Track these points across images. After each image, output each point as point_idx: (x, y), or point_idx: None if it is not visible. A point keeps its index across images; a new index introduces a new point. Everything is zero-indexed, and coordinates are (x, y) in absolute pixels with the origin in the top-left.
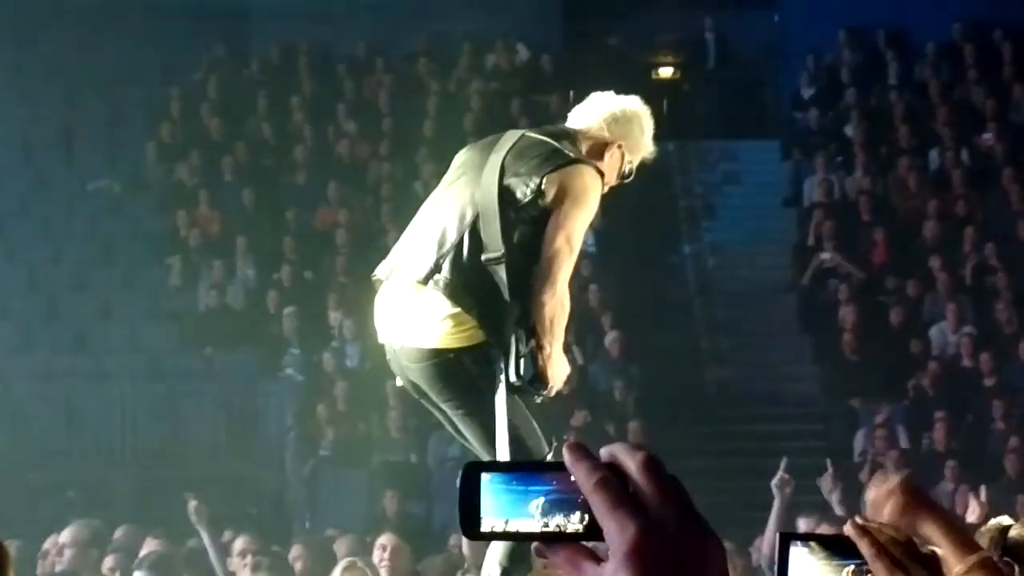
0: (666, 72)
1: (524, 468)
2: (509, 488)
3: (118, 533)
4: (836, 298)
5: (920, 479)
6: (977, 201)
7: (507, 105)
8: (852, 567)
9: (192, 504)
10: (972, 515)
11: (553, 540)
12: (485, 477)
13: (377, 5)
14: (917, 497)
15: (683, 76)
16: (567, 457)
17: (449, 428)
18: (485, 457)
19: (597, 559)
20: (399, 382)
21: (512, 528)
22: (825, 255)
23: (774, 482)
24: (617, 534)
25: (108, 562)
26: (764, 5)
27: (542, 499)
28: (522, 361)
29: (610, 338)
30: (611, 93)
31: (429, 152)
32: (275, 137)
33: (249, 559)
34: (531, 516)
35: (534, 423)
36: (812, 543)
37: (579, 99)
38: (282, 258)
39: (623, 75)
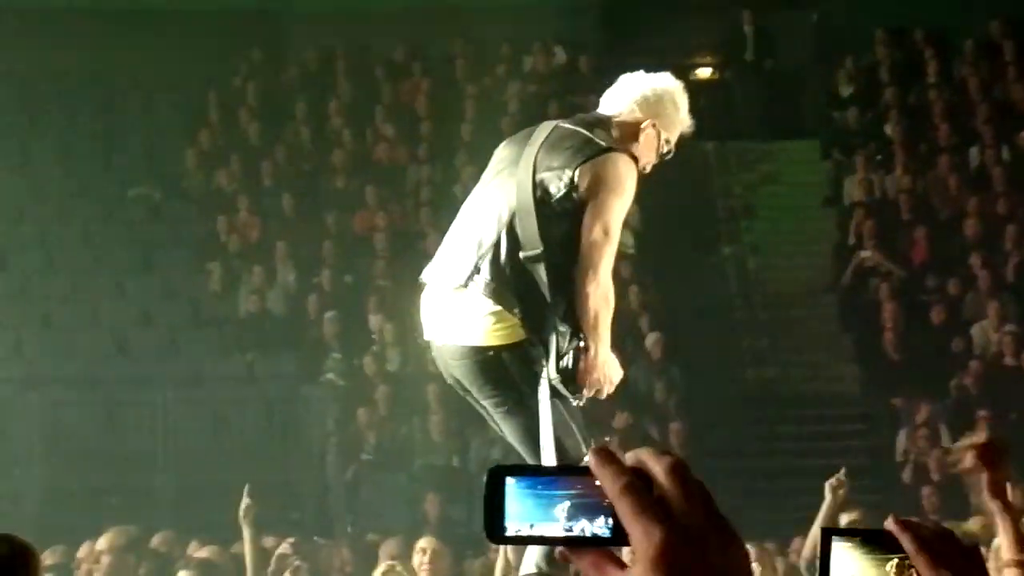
0: (704, 72)
1: (549, 472)
2: (534, 492)
3: (156, 540)
4: (877, 297)
5: (960, 480)
6: (1018, 199)
7: (544, 107)
8: (896, 561)
9: (245, 502)
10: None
11: (578, 545)
12: (510, 481)
13: (414, 8)
14: (998, 462)
15: (721, 76)
16: (593, 461)
17: (493, 425)
18: (526, 456)
19: (622, 564)
20: (447, 379)
21: (537, 532)
22: (865, 253)
23: (829, 482)
24: (643, 539)
25: (143, 569)
26: (802, 5)
27: (568, 503)
28: (564, 359)
29: (651, 339)
30: (640, 73)
31: (467, 155)
32: (314, 141)
33: (294, 562)
34: (556, 520)
35: (573, 424)
36: (855, 538)
37: None
38: (322, 262)
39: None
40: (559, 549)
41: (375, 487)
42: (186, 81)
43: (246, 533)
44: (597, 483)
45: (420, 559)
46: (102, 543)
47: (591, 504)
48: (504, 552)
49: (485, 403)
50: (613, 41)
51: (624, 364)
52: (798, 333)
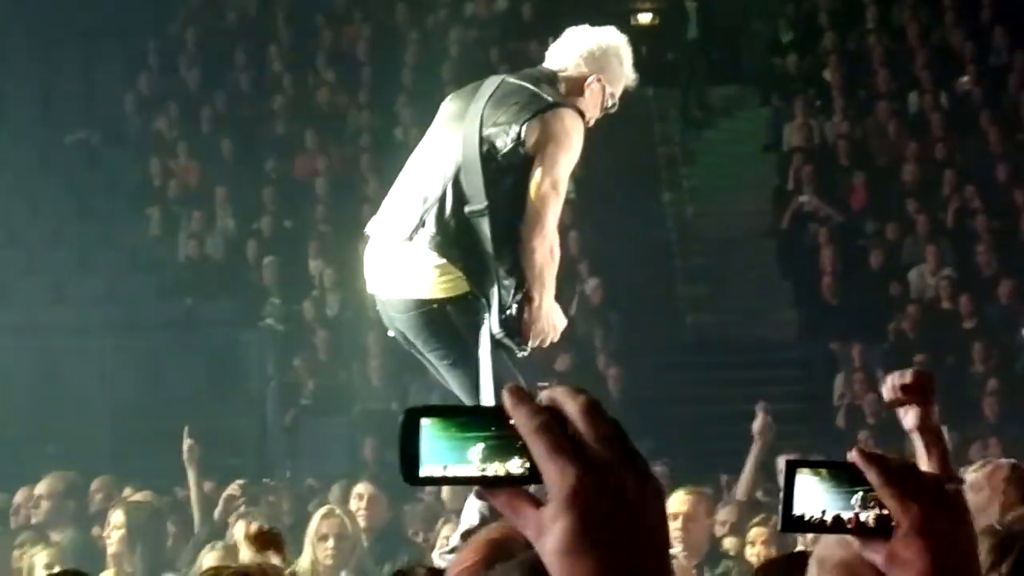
0: (644, 18)
1: (464, 413)
2: (449, 434)
3: (94, 484)
4: (815, 242)
5: (899, 423)
6: (956, 144)
7: (486, 53)
8: (860, 494)
9: (187, 443)
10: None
11: (494, 484)
12: (425, 422)
13: None
14: (927, 393)
15: (662, 22)
16: (507, 401)
17: (437, 376)
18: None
19: (537, 503)
20: (391, 332)
21: (451, 474)
22: (803, 198)
23: (755, 426)
24: (557, 478)
25: (92, 509)
26: None
27: (482, 444)
28: (508, 312)
29: (590, 285)
30: (586, 27)
31: (408, 100)
32: (253, 87)
33: (241, 506)
34: (471, 461)
35: (519, 375)
36: (820, 471)
37: None
38: (262, 208)
39: (601, 21)
40: (476, 488)
41: (314, 432)
42: (124, 26)
43: (190, 475)
44: (512, 423)
45: (357, 504)
46: (41, 488)
47: (506, 445)
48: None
49: (429, 356)
50: None
51: (564, 310)
52: (736, 279)
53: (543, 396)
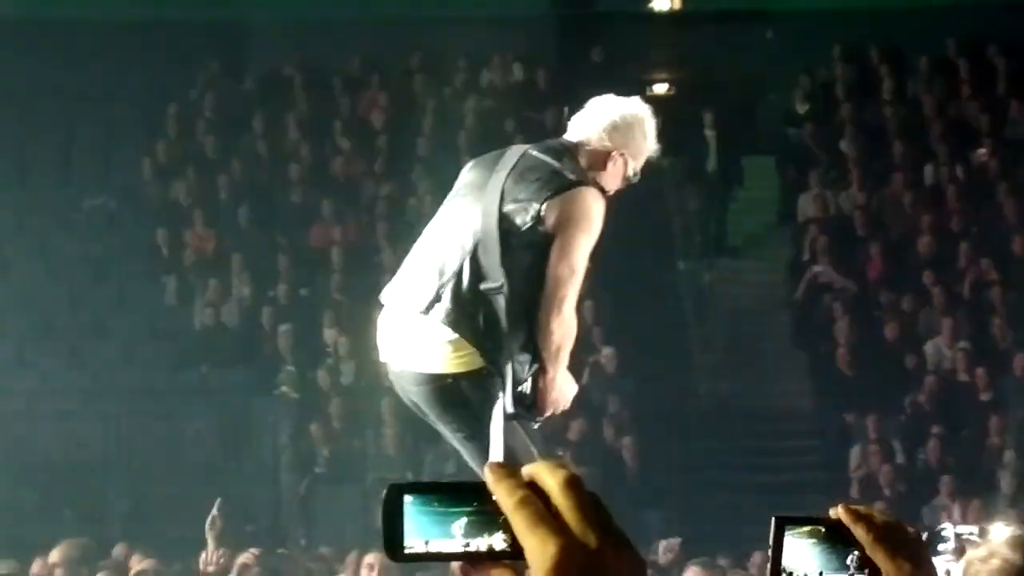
0: (660, 88)
1: (446, 489)
2: (431, 509)
3: (113, 551)
4: (831, 313)
5: (915, 494)
6: (972, 216)
7: (501, 122)
8: (857, 554)
9: (212, 514)
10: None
11: (476, 560)
12: (407, 499)
13: (373, 22)
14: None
15: (677, 92)
16: (488, 477)
17: (450, 444)
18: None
19: None
20: (407, 402)
21: (434, 549)
22: (818, 268)
23: None
24: (537, 552)
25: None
26: (758, 21)
27: (464, 519)
28: (523, 388)
29: (605, 354)
30: (610, 97)
31: (424, 169)
32: (270, 155)
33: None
34: (453, 536)
35: (533, 448)
36: (809, 527)
37: (573, 115)
38: (277, 276)
39: (617, 92)
40: (460, 564)
41: (328, 500)
42: (143, 92)
43: (210, 545)
44: (495, 498)
45: (367, 574)
46: (55, 555)
47: (488, 520)
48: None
49: (443, 428)
50: (571, 57)
51: (578, 378)
52: (752, 348)
53: (525, 471)
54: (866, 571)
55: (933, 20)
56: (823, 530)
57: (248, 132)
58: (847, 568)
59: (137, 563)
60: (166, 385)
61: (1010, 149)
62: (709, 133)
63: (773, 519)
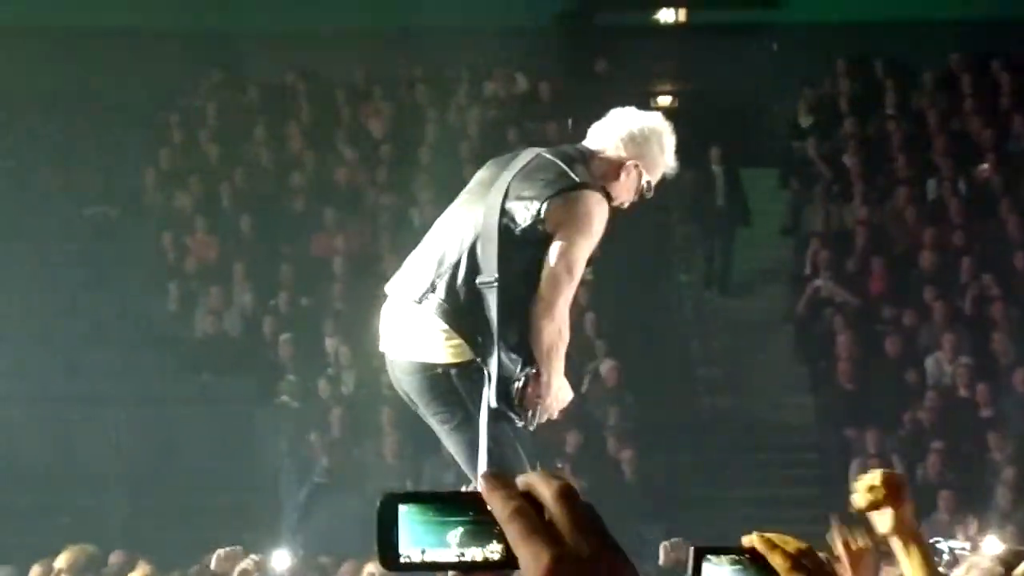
0: (664, 100)
1: (443, 498)
2: (427, 519)
3: (112, 558)
4: (832, 328)
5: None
6: (974, 231)
7: (504, 133)
8: (465, 528)
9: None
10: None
11: (470, 569)
12: (403, 508)
13: (376, 32)
14: (899, 494)
15: (681, 105)
16: (483, 487)
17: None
18: (469, 473)
19: None
20: (400, 393)
21: (429, 558)
22: (819, 282)
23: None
24: (531, 562)
25: None
26: (762, 34)
27: (460, 529)
28: (513, 387)
29: (605, 366)
30: (631, 110)
31: (426, 179)
32: (273, 164)
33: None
34: (448, 546)
35: (519, 446)
36: (731, 556)
37: (576, 127)
38: (279, 285)
39: (621, 104)
40: (454, 574)
41: (328, 509)
42: (146, 101)
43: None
44: (490, 508)
45: None
46: (60, 561)
47: (483, 530)
48: None
49: (431, 419)
50: (574, 69)
51: (577, 390)
52: (753, 362)
53: (520, 481)
54: None
55: (937, 34)
56: (744, 558)
57: (251, 141)
58: None
59: (136, 570)
60: (166, 393)
61: (1013, 164)
62: (712, 146)
63: (692, 549)
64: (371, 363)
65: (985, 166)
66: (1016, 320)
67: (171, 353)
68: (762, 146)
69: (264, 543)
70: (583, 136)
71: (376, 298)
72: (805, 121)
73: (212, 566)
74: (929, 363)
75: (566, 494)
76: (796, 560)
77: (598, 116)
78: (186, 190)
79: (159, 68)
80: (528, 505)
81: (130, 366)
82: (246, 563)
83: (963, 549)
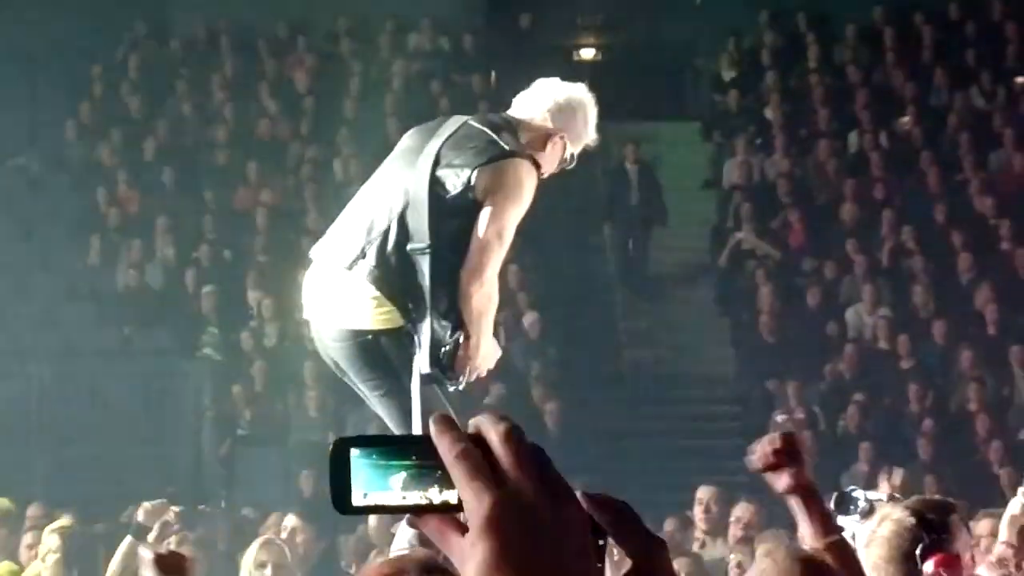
0: (587, 54)
1: (392, 442)
2: (375, 463)
3: (30, 511)
4: (753, 280)
5: (835, 460)
6: (895, 184)
7: (428, 86)
8: (408, 472)
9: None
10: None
11: (423, 512)
12: (354, 452)
13: None
14: (796, 455)
15: (604, 58)
16: (432, 429)
17: (370, 406)
18: None
19: (464, 529)
20: (326, 360)
21: (373, 502)
22: (740, 235)
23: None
24: (474, 503)
25: (27, 539)
26: None
27: (404, 473)
28: (443, 351)
29: (528, 319)
30: (556, 80)
31: (350, 132)
32: (196, 117)
33: (175, 531)
34: (391, 489)
35: (449, 407)
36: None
37: (500, 80)
38: (201, 237)
39: (544, 57)
40: (407, 516)
41: (250, 462)
42: (67, 53)
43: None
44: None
45: (287, 536)
46: None
47: (428, 472)
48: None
49: (362, 386)
50: (498, 22)
51: (500, 342)
52: (675, 314)
53: (470, 424)
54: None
55: None
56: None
57: (173, 94)
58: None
59: (56, 523)
60: (88, 346)
61: (934, 117)
62: (636, 98)
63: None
64: (293, 316)
65: (906, 119)
66: (935, 273)
67: (93, 306)
68: (685, 98)
69: (186, 496)
70: (506, 88)
71: (299, 251)
72: (727, 74)
73: (140, 519)
74: (849, 315)
75: (511, 435)
76: (468, 450)
77: (522, 69)
78: (108, 143)
79: (81, 19)
80: (474, 447)
81: (52, 319)
82: (167, 516)
83: (880, 499)
